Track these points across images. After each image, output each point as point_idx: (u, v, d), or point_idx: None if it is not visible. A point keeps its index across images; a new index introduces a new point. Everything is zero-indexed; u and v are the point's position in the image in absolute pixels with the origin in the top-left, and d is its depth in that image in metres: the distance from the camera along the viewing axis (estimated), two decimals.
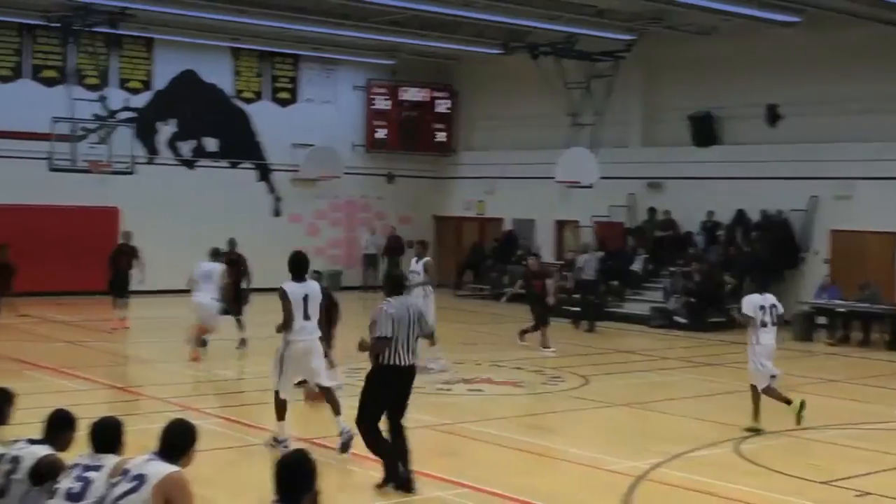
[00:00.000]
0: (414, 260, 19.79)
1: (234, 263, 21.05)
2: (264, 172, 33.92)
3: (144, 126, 31.35)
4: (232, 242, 21.75)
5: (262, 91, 33.97)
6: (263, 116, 33.82)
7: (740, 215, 28.51)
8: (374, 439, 10.77)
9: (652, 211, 30.52)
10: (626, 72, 29.87)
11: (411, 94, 36.19)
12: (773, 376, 14.25)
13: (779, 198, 27.58)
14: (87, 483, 6.49)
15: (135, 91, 31.59)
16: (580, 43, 29.28)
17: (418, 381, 17.18)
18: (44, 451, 6.95)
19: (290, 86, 34.52)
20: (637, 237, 30.47)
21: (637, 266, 29.53)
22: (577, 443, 13.43)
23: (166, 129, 32.20)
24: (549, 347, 21.84)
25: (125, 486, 6.25)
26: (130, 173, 28.84)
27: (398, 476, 10.64)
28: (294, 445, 12.27)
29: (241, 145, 33.48)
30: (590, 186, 29.21)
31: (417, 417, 14.60)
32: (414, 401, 15.73)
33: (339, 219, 35.43)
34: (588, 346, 23.21)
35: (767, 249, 27.04)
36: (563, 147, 29.91)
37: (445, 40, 31.26)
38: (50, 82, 29.86)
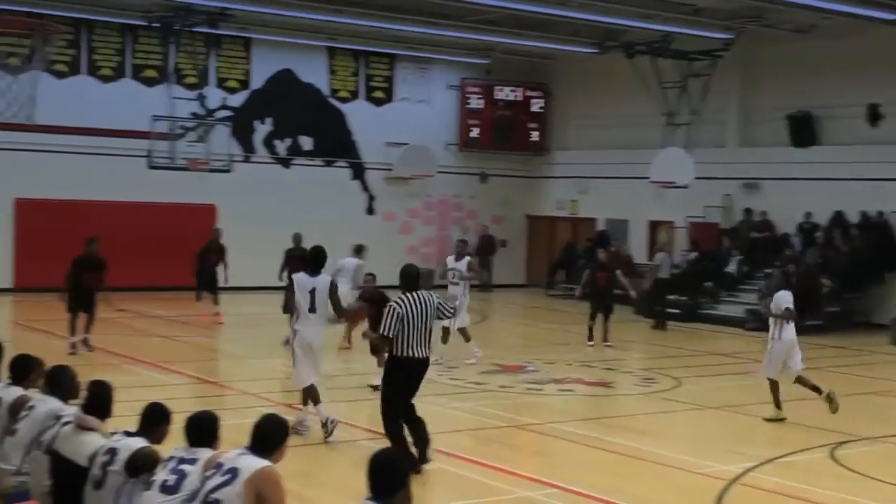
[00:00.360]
0: (452, 258, 19.78)
1: (300, 259, 20.87)
2: (358, 171, 34.17)
3: (241, 125, 31.80)
4: (297, 237, 21.62)
5: (358, 90, 34.24)
6: (358, 115, 34.07)
7: (838, 217, 28.00)
8: (395, 428, 11.19)
9: (748, 212, 30.12)
10: (724, 71, 29.50)
11: (505, 93, 36.14)
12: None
13: (879, 199, 27.04)
14: (181, 476, 6.60)
15: (232, 90, 32.05)
16: (676, 42, 29.00)
17: (507, 380, 17.47)
18: (139, 443, 7.06)
19: (385, 85, 34.73)
20: (732, 238, 30.11)
21: (732, 267, 29.16)
22: (668, 445, 13.31)
23: (263, 128, 32.60)
24: (591, 340, 22.05)
25: (218, 479, 6.34)
26: (227, 171, 29.18)
27: (413, 460, 10.91)
28: (339, 421, 12.81)
29: (336, 144, 33.75)
30: (685, 187, 28.92)
31: (508, 416, 14.68)
32: (504, 400, 15.91)
33: (432, 217, 35.55)
34: (680, 348, 23.00)
35: (867, 251, 26.56)
36: (658, 147, 29.66)
37: (541, 39, 31.15)
38: (150, 82, 30.41)
